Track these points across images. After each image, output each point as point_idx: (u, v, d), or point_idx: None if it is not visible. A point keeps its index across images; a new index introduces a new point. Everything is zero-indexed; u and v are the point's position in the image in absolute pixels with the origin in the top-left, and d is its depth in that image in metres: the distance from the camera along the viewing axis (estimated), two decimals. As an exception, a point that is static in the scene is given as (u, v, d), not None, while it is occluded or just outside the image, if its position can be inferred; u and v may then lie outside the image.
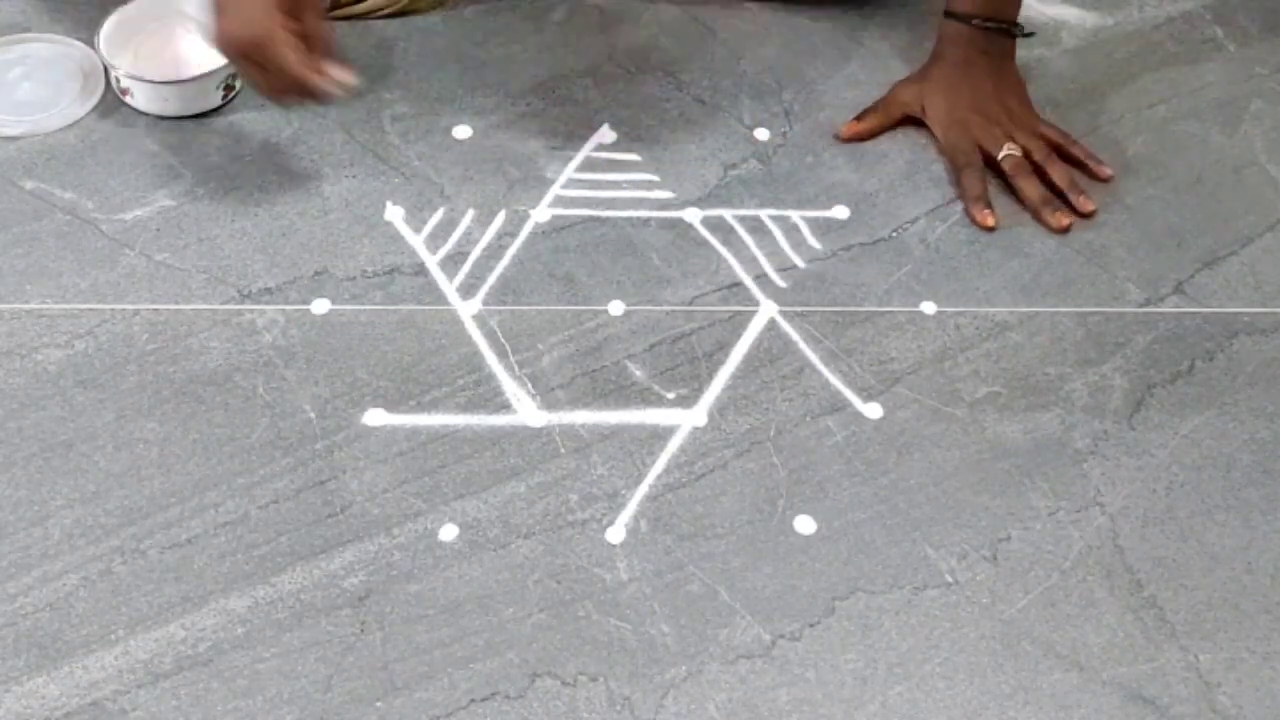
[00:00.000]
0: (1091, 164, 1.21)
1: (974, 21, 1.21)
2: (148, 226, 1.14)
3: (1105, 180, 1.20)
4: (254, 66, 1.06)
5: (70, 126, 1.20)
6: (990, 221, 1.16)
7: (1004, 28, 1.22)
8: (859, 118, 1.23)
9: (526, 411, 1.04)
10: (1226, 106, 1.28)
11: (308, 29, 1.06)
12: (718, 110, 1.26)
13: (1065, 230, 1.16)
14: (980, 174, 1.18)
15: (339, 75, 1.07)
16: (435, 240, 1.14)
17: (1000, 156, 1.18)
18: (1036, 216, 1.17)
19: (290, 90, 1.07)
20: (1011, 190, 1.19)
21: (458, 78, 1.27)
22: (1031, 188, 1.18)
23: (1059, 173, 1.19)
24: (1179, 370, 1.08)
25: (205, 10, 1.07)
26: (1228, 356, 1.09)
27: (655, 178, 1.20)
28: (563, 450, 1.02)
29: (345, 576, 0.94)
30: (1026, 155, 1.19)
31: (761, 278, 1.13)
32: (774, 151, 1.22)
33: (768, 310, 1.11)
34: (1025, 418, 1.05)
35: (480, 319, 1.09)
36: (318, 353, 1.06)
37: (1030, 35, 1.24)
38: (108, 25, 1.23)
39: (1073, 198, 1.18)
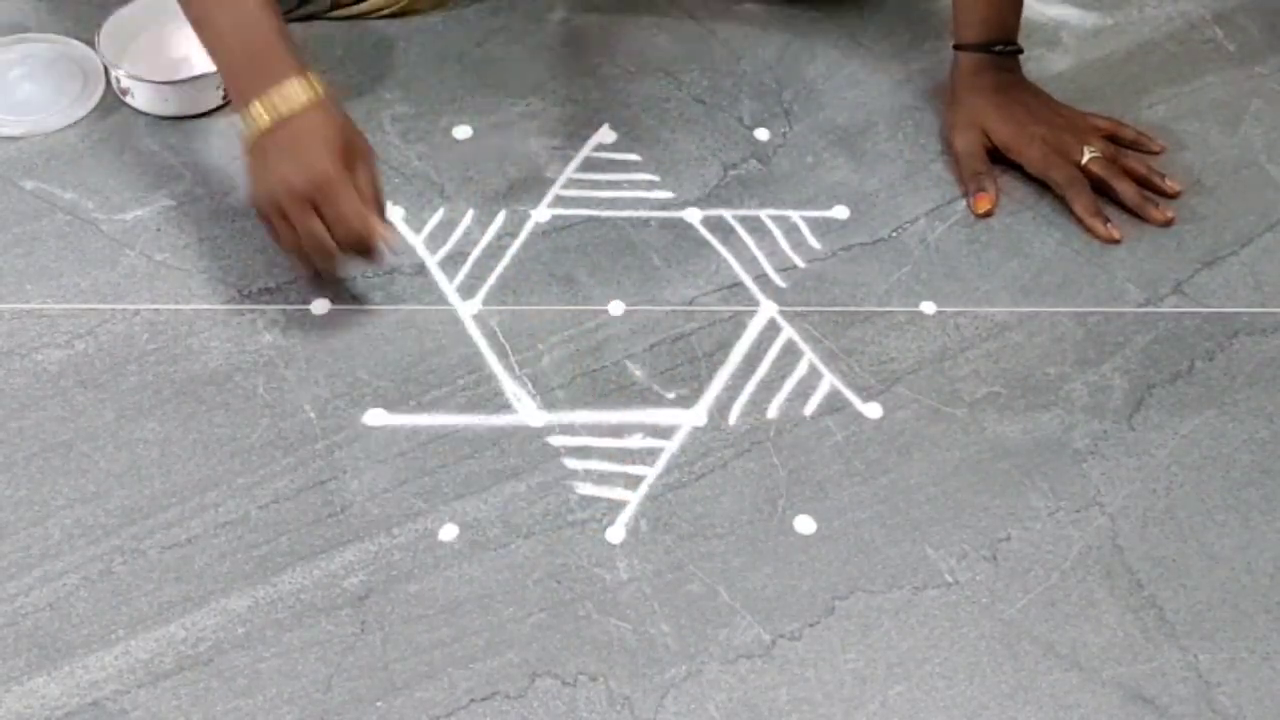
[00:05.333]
0: (1144, 141, 1.23)
1: (995, 49, 1.22)
2: (148, 226, 1.14)
3: (1156, 153, 1.22)
4: (306, 214, 1.00)
5: (70, 126, 1.20)
6: (1117, 234, 1.16)
7: (1016, 48, 1.23)
8: (979, 188, 1.18)
9: (526, 411, 1.04)
10: (1226, 106, 1.28)
11: (360, 182, 1.02)
12: (718, 110, 1.26)
13: (1170, 222, 1.17)
14: (1088, 188, 1.17)
15: (389, 234, 1.03)
16: (435, 240, 1.14)
17: (1084, 161, 1.18)
18: (1140, 214, 1.17)
19: (346, 241, 1.01)
20: (1100, 192, 1.18)
21: (458, 78, 1.27)
22: (1128, 187, 1.18)
23: (1135, 163, 1.20)
24: (1179, 370, 1.08)
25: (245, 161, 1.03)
26: (1228, 356, 1.09)
27: (655, 178, 1.20)
28: (563, 450, 1.02)
29: (345, 576, 0.94)
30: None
31: (761, 278, 1.13)
32: (774, 151, 1.22)
33: (768, 310, 1.11)
34: (1025, 418, 1.05)
35: (480, 319, 1.09)
36: (318, 353, 1.06)
37: (1021, 52, 1.25)
38: (108, 25, 1.23)
39: (1156, 181, 1.19)
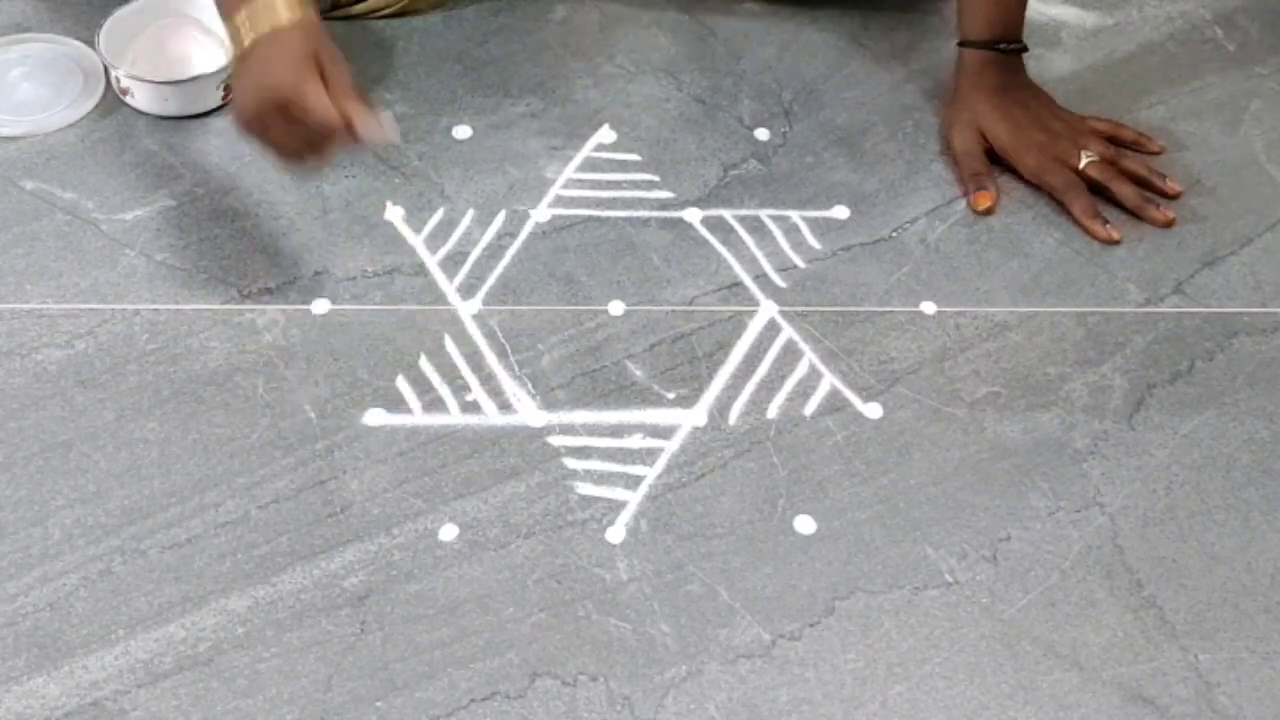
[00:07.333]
0: (1144, 142, 1.22)
1: (1000, 46, 1.22)
2: (148, 226, 1.14)
3: (1156, 153, 1.22)
4: (276, 122, 1.00)
5: (70, 126, 1.20)
6: (1117, 235, 1.16)
7: (1021, 46, 1.23)
8: (979, 187, 1.18)
9: (526, 411, 1.04)
10: (1226, 106, 1.28)
11: (328, 75, 1.01)
12: (718, 110, 1.26)
13: (1170, 223, 1.17)
14: (1086, 192, 1.17)
15: (372, 123, 1.01)
16: (435, 240, 1.14)
17: (1082, 166, 1.18)
18: (1140, 215, 1.17)
19: (318, 132, 1.01)
20: (1101, 194, 1.18)
21: (458, 78, 1.27)
22: (1127, 189, 1.18)
23: (1134, 165, 1.20)
24: (1179, 370, 1.08)
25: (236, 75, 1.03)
26: (1227, 356, 1.09)
27: (655, 178, 1.20)
28: (563, 450, 1.02)
29: (345, 576, 0.94)
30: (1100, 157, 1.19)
31: (761, 278, 1.13)
32: (774, 151, 1.22)
33: (768, 310, 1.11)
34: (1025, 418, 1.05)
35: (480, 319, 1.09)
36: (318, 353, 1.06)
37: (1026, 50, 1.24)
38: (108, 25, 1.23)
39: (1157, 183, 1.19)
